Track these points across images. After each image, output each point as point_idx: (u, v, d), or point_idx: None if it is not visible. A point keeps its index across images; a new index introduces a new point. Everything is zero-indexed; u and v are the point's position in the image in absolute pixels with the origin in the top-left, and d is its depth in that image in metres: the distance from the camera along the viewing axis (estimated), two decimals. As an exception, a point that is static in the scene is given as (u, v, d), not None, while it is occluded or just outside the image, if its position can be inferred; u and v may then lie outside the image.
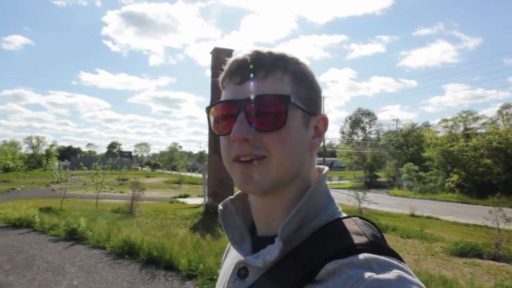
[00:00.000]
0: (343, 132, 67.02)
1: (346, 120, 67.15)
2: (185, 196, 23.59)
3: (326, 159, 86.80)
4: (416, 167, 37.53)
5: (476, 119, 38.44)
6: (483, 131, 37.24)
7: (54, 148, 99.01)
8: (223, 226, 0.74)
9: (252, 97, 0.62)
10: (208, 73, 16.11)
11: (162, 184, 37.88)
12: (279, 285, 0.59)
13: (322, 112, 0.72)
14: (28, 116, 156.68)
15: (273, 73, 0.64)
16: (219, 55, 16.46)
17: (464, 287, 5.71)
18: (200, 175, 27.30)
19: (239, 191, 0.76)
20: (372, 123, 66.27)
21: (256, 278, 0.63)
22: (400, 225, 13.45)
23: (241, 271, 0.66)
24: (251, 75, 0.64)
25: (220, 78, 0.70)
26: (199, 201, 20.00)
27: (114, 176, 29.55)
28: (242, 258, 0.67)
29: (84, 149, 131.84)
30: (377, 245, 0.59)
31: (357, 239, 0.59)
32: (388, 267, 0.53)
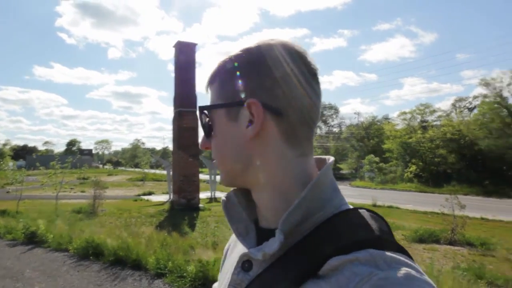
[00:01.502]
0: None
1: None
2: (150, 194, 23.05)
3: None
4: (377, 159, 38.89)
5: (433, 112, 40.39)
6: (439, 123, 39.21)
7: (8, 147, 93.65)
8: (227, 217, 0.73)
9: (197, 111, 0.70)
10: (171, 67, 16.01)
11: (125, 182, 36.87)
12: (281, 279, 0.58)
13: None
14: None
15: (213, 83, 0.69)
16: (182, 49, 16.15)
17: (425, 270, 6.02)
18: (164, 172, 26.80)
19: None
20: (334, 116, 67.89)
21: (260, 271, 0.62)
22: (363, 215, 13.88)
23: (245, 264, 0.65)
24: (207, 86, 0.71)
25: None
26: (164, 198, 19.70)
27: (74, 175, 28.40)
28: (247, 250, 0.66)
29: (41, 147, 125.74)
30: (384, 240, 0.56)
31: (363, 234, 0.57)
32: (395, 264, 0.50)
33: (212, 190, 19.53)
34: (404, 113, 41.40)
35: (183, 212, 13.93)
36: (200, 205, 15.69)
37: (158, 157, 35.87)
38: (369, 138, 50.44)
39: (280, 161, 0.64)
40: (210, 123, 0.68)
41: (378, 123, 51.71)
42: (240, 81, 0.65)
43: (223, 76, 0.67)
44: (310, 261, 0.56)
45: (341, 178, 46.56)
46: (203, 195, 19.75)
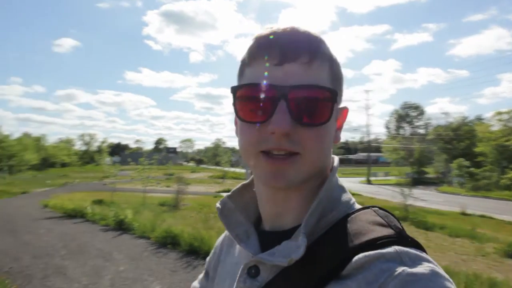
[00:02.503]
0: (388, 127, 64.68)
1: (391, 115, 64.70)
2: (229, 191, 22.87)
3: (371, 154, 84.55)
4: (467, 163, 35.46)
5: (536, 111, 35.58)
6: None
7: (105, 144, 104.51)
8: (224, 224, 0.69)
9: (296, 85, 0.55)
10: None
11: (206, 179, 38.72)
12: (302, 283, 0.55)
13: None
14: (80, 115, 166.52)
15: (317, 60, 0.57)
16: None
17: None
18: (244, 170, 27.61)
19: (238, 187, 0.75)
20: (419, 117, 63.39)
21: (271, 277, 0.59)
22: (449, 223, 12.81)
23: (251, 270, 0.61)
24: (293, 57, 0.56)
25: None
26: None
27: (161, 171, 30.76)
28: (250, 255, 0.62)
29: (133, 145, 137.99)
30: (405, 237, 0.55)
31: (383, 231, 0.56)
32: (419, 261, 0.50)
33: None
34: (501, 113, 37.11)
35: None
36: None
37: (238, 156, 37.04)
38: (459, 140, 46.16)
39: (329, 165, 0.67)
40: (332, 110, 0.58)
41: (470, 124, 47.06)
42: (342, 81, 0.65)
43: (335, 65, 0.62)
44: (332, 261, 0.54)
45: (427, 182, 43.31)
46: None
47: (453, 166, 37.67)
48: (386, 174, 46.71)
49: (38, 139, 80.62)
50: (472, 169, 34.88)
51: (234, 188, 0.76)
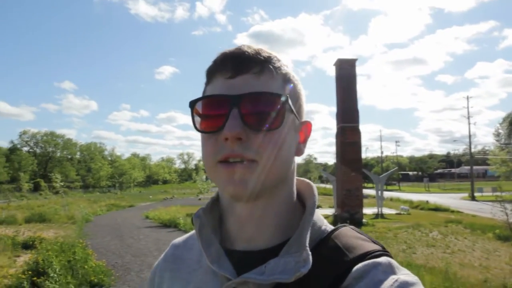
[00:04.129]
0: (498, 135, 57.56)
1: (501, 122, 57.52)
2: (317, 207, 23.88)
3: (477, 167, 75.56)
4: None
5: None
6: None
7: (202, 162, 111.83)
8: (200, 242, 0.64)
9: (246, 93, 0.57)
10: (338, 82, 16.26)
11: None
12: None
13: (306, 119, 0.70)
14: (179, 135, 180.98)
15: (268, 71, 0.60)
16: (343, 66, 16.60)
17: None
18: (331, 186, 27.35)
19: (208, 202, 0.72)
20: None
21: None
22: None
23: None
24: (245, 70, 0.59)
25: (207, 69, 0.65)
26: (329, 211, 19.86)
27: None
28: (218, 280, 0.62)
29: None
30: (386, 250, 0.61)
31: (371, 245, 0.60)
32: (406, 271, 0.56)
33: (379, 206, 18.90)
34: None
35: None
36: (364, 220, 15.51)
37: (325, 172, 36.84)
38: None
39: (294, 179, 0.69)
40: (283, 115, 0.60)
41: None
42: (301, 95, 0.67)
43: (289, 77, 0.64)
44: (331, 275, 0.56)
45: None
46: (370, 210, 19.43)
47: None
48: (494, 190, 41.69)
49: (143, 159, 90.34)
50: None
51: (207, 202, 0.72)
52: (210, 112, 0.61)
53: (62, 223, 15.55)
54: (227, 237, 0.67)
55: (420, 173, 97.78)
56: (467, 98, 45.54)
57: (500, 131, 56.53)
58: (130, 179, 69.56)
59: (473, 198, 36.89)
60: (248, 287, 0.57)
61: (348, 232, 0.63)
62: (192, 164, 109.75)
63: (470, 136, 45.13)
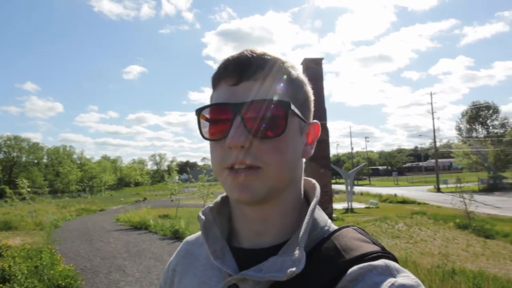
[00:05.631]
0: (459, 129, 60.15)
1: (462, 116, 60.19)
2: None
3: (442, 160, 78.70)
4: (551, 164, 32.03)
5: None
6: None
7: (174, 163, 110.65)
8: (204, 238, 0.66)
9: (249, 101, 0.58)
10: (308, 81, 16.75)
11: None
12: None
13: (312, 120, 0.70)
14: (150, 136, 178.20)
15: (271, 76, 0.60)
16: (309, 65, 16.91)
17: None
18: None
19: (218, 200, 0.74)
20: (494, 117, 58.27)
21: None
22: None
23: None
24: (248, 76, 0.60)
25: (212, 76, 0.65)
26: None
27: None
28: (222, 274, 0.64)
29: (200, 163, 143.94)
30: (387, 252, 0.60)
31: (370, 247, 0.60)
32: (405, 273, 0.55)
33: (348, 201, 19.46)
34: None
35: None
36: (334, 215, 15.99)
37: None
38: (542, 139, 41.75)
39: (301, 180, 0.70)
40: (286, 121, 0.60)
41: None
42: (308, 97, 0.68)
43: (295, 80, 0.64)
44: (326, 276, 0.56)
45: (505, 188, 39.70)
46: (341, 205, 19.95)
47: (534, 168, 34.22)
48: (458, 181, 43.52)
49: (114, 161, 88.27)
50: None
51: (215, 200, 0.74)
52: (215, 120, 0.62)
53: (29, 230, 15.05)
54: (235, 235, 0.69)
55: (389, 167, 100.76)
56: (431, 94, 47.41)
57: (461, 125, 59.23)
58: (101, 182, 67.93)
59: (438, 190, 38.48)
60: (247, 284, 0.59)
61: (349, 233, 0.64)
62: (164, 165, 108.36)
63: (434, 130, 46.97)
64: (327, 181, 16.43)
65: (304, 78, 0.67)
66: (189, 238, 0.82)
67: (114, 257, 8.79)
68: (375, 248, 0.60)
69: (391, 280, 0.53)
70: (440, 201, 24.17)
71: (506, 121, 56.77)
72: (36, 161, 73.91)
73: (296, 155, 0.63)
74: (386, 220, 14.56)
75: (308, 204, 0.68)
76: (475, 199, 14.05)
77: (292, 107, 0.60)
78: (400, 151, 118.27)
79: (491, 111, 58.13)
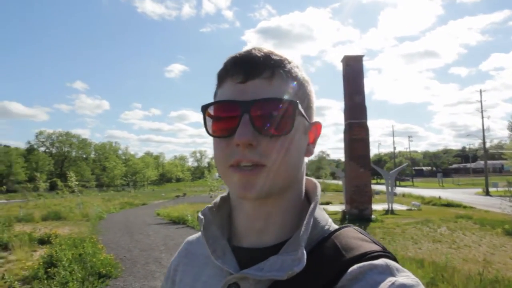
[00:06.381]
0: (512, 130, 56.30)
1: (515, 115, 56.08)
2: (327, 203, 23.83)
3: (492, 162, 73.94)
4: None
5: None
6: None
7: (214, 161, 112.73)
8: (204, 238, 0.67)
9: (257, 99, 0.58)
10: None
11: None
12: None
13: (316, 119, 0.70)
14: (192, 133, 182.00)
15: (278, 75, 0.61)
16: (349, 62, 16.60)
17: None
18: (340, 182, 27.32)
19: (217, 199, 0.74)
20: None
21: None
22: None
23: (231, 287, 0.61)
24: (255, 74, 0.60)
25: (218, 73, 0.65)
26: (340, 208, 19.62)
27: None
28: (224, 274, 0.64)
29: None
30: (388, 251, 0.60)
31: (371, 246, 0.60)
32: (405, 273, 0.55)
33: (389, 202, 18.82)
34: None
35: (353, 222, 14.10)
36: (373, 216, 15.52)
37: (335, 168, 36.77)
38: None
39: (303, 179, 0.70)
40: (293, 120, 0.60)
41: None
42: (312, 97, 0.68)
43: (301, 80, 0.65)
44: (327, 275, 0.56)
45: None
46: (380, 207, 19.43)
47: None
48: (509, 184, 40.86)
49: (157, 158, 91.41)
50: None
51: (215, 200, 0.75)
52: (221, 117, 0.62)
53: (76, 220, 16.08)
54: (236, 234, 0.69)
55: (434, 168, 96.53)
56: (480, 91, 44.73)
57: (515, 125, 55.34)
58: (144, 177, 70.70)
59: (487, 193, 36.36)
60: (248, 283, 0.59)
61: (349, 233, 0.64)
62: (204, 162, 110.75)
63: (484, 130, 44.29)
64: (366, 180, 16.07)
65: (308, 78, 0.68)
66: (190, 238, 0.83)
67: (152, 249, 9.16)
68: (375, 247, 0.60)
69: (391, 279, 0.53)
70: (489, 205, 22.82)
71: None
72: (84, 156, 78.38)
73: (300, 154, 0.64)
74: (428, 223, 13.98)
75: (309, 203, 0.69)
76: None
77: (299, 106, 0.61)
78: (446, 151, 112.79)
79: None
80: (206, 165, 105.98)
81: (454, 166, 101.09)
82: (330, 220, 0.69)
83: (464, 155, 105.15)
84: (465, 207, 21.89)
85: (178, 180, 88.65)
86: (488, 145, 47.43)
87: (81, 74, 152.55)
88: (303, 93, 0.65)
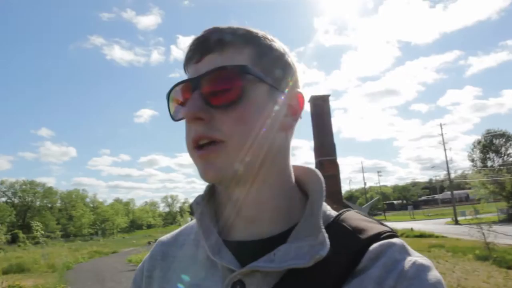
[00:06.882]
0: (472, 160, 59.26)
1: (474, 146, 59.48)
2: None
3: (458, 192, 76.56)
4: None
5: None
6: None
7: (186, 204, 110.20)
8: (202, 231, 0.60)
9: (204, 72, 0.55)
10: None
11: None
12: (317, 285, 0.52)
13: (298, 90, 0.63)
14: (162, 178, 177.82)
15: (231, 46, 0.57)
16: (317, 102, 17.21)
17: None
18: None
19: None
20: (507, 145, 57.37)
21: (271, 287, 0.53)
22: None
23: (235, 286, 0.54)
24: (209, 50, 0.57)
25: (183, 64, 0.62)
26: None
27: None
28: (219, 273, 0.57)
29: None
30: (395, 232, 0.60)
31: (380, 227, 0.59)
32: (418, 253, 0.56)
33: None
34: None
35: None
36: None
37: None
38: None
39: (288, 158, 0.63)
40: (242, 87, 0.55)
41: None
42: (285, 66, 0.61)
43: (264, 47, 0.59)
44: (346, 257, 0.53)
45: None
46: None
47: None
48: (476, 212, 42.36)
49: (127, 204, 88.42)
50: None
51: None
52: (179, 100, 0.60)
53: (41, 272, 15.15)
54: (224, 227, 0.63)
55: (404, 201, 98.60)
56: (441, 125, 47.38)
57: (474, 155, 58.34)
58: (113, 225, 67.89)
59: (456, 222, 37.40)
60: (254, 278, 0.54)
61: (354, 215, 0.62)
62: (176, 207, 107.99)
63: (447, 162, 46.38)
64: (340, 216, 16.25)
65: (281, 48, 0.62)
66: (163, 238, 0.73)
67: (127, 296, 8.71)
68: (385, 227, 0.60)
69: (411, 259, 0.53)
70: (459, 233, 23.42)
71: (521, 149, 55.68)
72: (50, 205, 74.59)
73: (266, 126, 0.57)
74: (403, 253, 14.15)
75: (301, 192, 0.64)
76: (494, 230, 13.67)
77: (253, 71, 0.56)
78: (414, 184, 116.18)
79: (504, 140, 57.39)
80: (178, 209, 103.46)
81: (423, 198, 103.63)
82: (328, 206, 0.66)
83: (432, 187, 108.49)
84: (437, 236, 22.36)
85: (149, 226, 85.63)
86: (452, 175, 49.41)
87: (46, 121, 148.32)
88: (268, 61, 0.59)
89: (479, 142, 59.01)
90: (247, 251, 0.57)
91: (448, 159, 47.14)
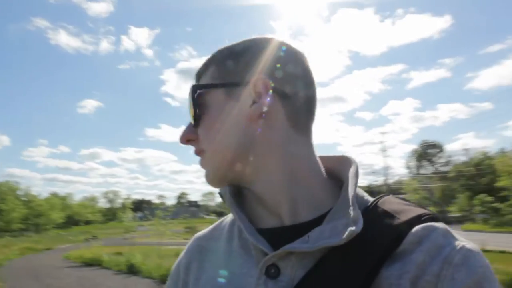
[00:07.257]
0: (409, 167, 63.80)
1: (410, 155, 64.12)
2: None
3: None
4: (490, 199, 34.59)
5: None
6: None
7: (128, 201, 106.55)
8: (237, 215, 0.59)
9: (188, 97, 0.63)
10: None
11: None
12: (353, 267, 0.50)
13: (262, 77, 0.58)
14: (104, 173, 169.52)
15: (202, 73, 0.64)
16: None
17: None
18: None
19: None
20: (439, 155, 62.44)
21: (302, 272, 0.52)
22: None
23: (270, 269, 0.53)
24: (197, 80, 0.66)
25: None
26: None
27: (182, 224, 31.54)
28: (253, 260, 0.57)
29: (156, 200, 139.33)
30: (437, 215, 0.57)
31: (420, 210, 0.56)
32: (462, 238, 0.52)
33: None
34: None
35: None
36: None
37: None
38: (481, 175, 45.21)
39: (289, 146, 0.59)
40: (196, 103, 0.61)
41: (492, 158, 46.20)
42: (243, 61, 0.60)
43: (220, 59, 0.62)
44: (386, 239, 0.52)
45: (450, 221, 41.88)
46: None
47: (475, 202, 36.73)
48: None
49: (64, 198, 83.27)
50: (496, 204, 33.91)
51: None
52: None
53: (-35, 270, 13.85)
54: (251, 215, 0.62)
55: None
56: (382, 134, 50.54)
57: (410, 163, 62.81)
58: (48, 220, 63.70)
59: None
60: (290, 261, 0.53)
61: (392, 199, 0.60)
62: (118, 203, 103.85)
63: (386, 168, 49.45)
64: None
65: (236, 45, 0.62)
66: (199, 234, 0.75)
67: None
68: (426, 210, 0.57)
69: (458, 243, 0.50)
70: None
71: (450, 158, 60.80)
72: (-25, 198, 68.22)
73: (231, 123, 0.59)
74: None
75: (339, 179, 0.63)
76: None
77: (201, 84, 0.63)
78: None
79: (437, 150, 62.26)
80: (120, 206, 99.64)
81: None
82: (366, 193, 0.64)
83: (370, 191, 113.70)
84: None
85: (88, 222, 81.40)
86: (390, 181, 52.70)
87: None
88: (223, 66, 0.61)
89: (415, 151, 63.68)
90: (280, 237, 0.55)
91: (387, 165, 50.19)
